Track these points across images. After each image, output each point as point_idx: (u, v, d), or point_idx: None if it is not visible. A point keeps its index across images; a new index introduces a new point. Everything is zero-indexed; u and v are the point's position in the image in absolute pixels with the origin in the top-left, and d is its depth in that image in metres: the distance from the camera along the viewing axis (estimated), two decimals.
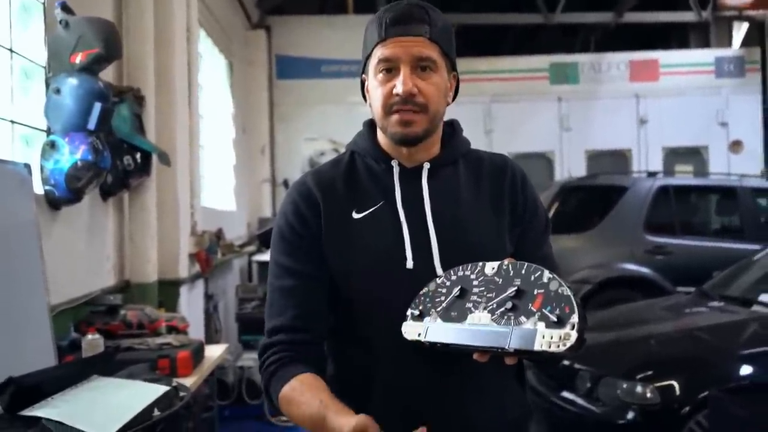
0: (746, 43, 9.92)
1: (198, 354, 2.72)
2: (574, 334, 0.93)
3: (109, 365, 1.93)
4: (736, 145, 9.36)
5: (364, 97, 1.27)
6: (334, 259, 1.18)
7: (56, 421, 1.49)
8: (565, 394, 3.46)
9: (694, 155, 9.50)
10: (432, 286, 1.12)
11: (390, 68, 1.16)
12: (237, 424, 3.82)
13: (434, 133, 1.23)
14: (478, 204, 1.23)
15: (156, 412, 1.65)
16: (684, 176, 8.07)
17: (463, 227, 1.19)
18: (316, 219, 1.20)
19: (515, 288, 1.02)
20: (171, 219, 3.75)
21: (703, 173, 8.97)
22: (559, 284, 1.00)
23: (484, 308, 1.04)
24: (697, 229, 6.37)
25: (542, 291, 1.00)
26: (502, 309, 1.01)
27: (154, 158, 3.39)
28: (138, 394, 1.71)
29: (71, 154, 2.53)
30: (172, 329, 2.88)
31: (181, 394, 1.84)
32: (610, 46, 9.94)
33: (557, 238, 5.88)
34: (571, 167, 9.09)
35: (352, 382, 1.20)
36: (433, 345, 1.07)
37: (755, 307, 3.76)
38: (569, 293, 0.97)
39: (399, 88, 1.14)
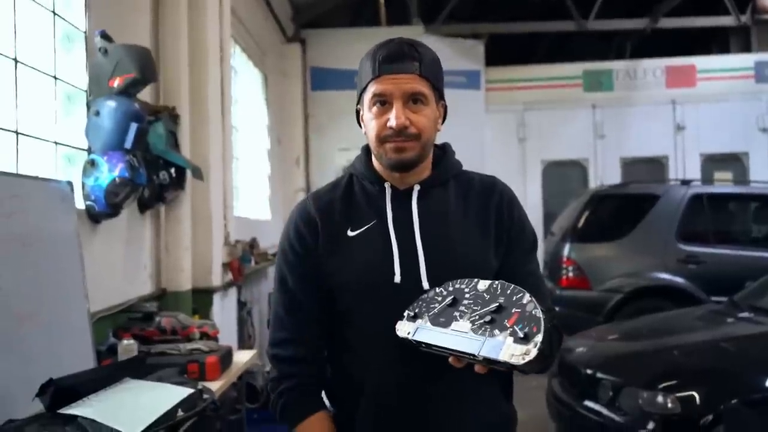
0: None
1: (226, 359, 2.87)
2: (534, 351, 1.04)
3: (140, 369, 2.07)
4: None
5: (360, 125, 1.39)
6: (331, 273, 1.31)
7: (90, 419, 1.63)
8: (588, 403, 3.49)
9: (734, 162, 9.31)
10: (431, 293, 1.24)
11: (384, 102, 1.27)
12: (265, 427, 3.94)
13: (425, 158, 1.33)
14: (465, 223, 1.33)
15: (180, 413, 1.79)
16: (719, 184, 7.92)
17: (449, 245, 1.29)
18: (314, 238, 1.33)
19: (497, 304, 1.14)
20: (205, 230, 3.93)
21: (743, 181, 8.79)
22: (534, 306, 1.11)
23: (468, 318, 1.15)
24: (731, 238, 6.25)
25: (519, 310, 1.11)
26: (482, 321, 1.13)
27: (188, 173, 3.58)
28: (164, 396, 1.85)
29: (110, 171, 2.72)
30: (203, 335, 3.04)
31: (205, 396, 1.97)
32: (646, 52, 9.82)
33: (588, 246, 5.98)
34: (605, 175, 9.03)
35: (345, 386, 1.32)
36: (418, 344, 1.18)
37: None
38: (540, 315, 1.09)
39: (392, 122, 1.25)
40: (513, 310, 1.12)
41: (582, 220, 6.12)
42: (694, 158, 9.27)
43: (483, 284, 1.20)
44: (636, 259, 5.92)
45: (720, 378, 3.21)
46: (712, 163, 9.31)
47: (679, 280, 5.75)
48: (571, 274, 5.89)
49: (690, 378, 3.23)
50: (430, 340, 1.16)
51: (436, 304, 1.21)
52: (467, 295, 1.19)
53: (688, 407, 3.03)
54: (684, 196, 6.03)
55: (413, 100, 1.27)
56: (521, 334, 1.06)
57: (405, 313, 1.23)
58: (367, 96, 1.29)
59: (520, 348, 1.05)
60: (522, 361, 1.03)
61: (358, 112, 1.38)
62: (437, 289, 1.24)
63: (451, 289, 1.22)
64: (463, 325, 1.14)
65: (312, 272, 1.32)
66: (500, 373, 1.32)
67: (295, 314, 1.33)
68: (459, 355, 1.11)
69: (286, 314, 1.34)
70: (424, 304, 1.22)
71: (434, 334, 1.16)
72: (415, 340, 1.18)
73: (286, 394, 1.32)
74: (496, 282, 1.19)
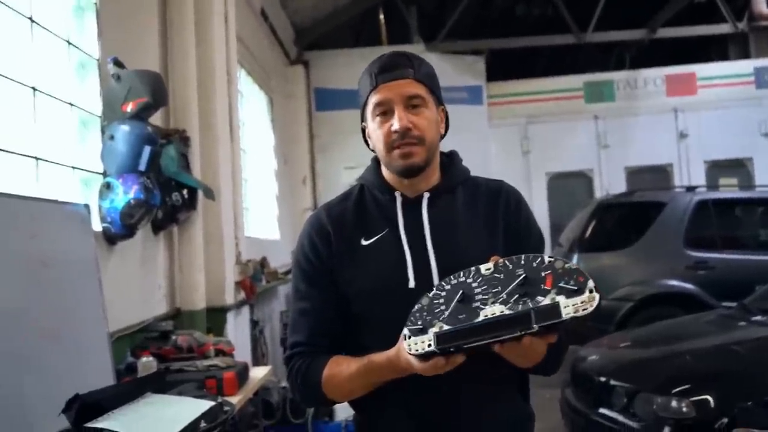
0: None
1: (243, 375, 2.91)
2: (596, 296, 1.02)
3: (161, 384, 2.12)
4: None
5: (366, 143, 1.43)
6: (345, 281, 1.35)
7: None
8: (603, 410, 3.50)
9: (739, 167, 9.33)
10: (425, 301, 1.17)
11: (385, 111, 1.32)
12: None
13: (432, 162, 1.38)
14: (474, 227, 1.36)
15: (203, 424, 1.83)
16: (724, 190, 7.93)
17: (459, 250, 1.32)
18: (327, 249, 1.37)
19: (522, 276, 1.09)
20: (217, 250, 3.98)
21: (748, 186, 8.80)
22: (563, 262, 1.08)
23: (494, 302, 1.09)
24: (740, 242, 6.25)
25: (549, 271, 1.08)
26: (516, 296, 1.08)
27: (200, 193, 3.64)
28: (187, 409, 1.89)
29: (125, 193, 2.79)
30: (219, 352, 3.08)
31: (226, 408, 2.01)
32: (646, 61, 9.92)
33: (596, 256, 5.99)
34: (611, 184, 9.07)
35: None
36: (445, 351, 1.09)
37: None
38: (576, 266, 1.07)
39: (396, 126, 1.29)
40: (543, 274, 1.08)
41: (589, 230, 6.14)
42: (699, 165, 9.31)
43: (485, 268, 1.15)
44: (645, 267, 5.92)
45: (733, 381, 3.22)
46: (717, 169, 9.33)
47: (688, 286, 5.75)
48: None
49: (703, 382, 3.23)
50: (465, 339, 1.08)
51: (442, 307, 1.14)
52: (475, 285, 1.14)
53: (703, 411, 3.04)
54: (690, 202, 6.05)
55: (412, 104, 1.31)
56: (573, 287, 1.03)
57: (406, 331, 1.14)
58: (369, 109, 1.34)
59: (579, 299, 1.02)
60: (590, 309, 1.00)
61: (363, 131, 1.42)
62: (430, 295, 1.17)
63: (449, 287, 1.16)
64: (494, 309, 1.08)
65: (325, 280, 1.36)
66: (518, 374, 1.35)
67: (310, 320, 1.37)
68: (507, 338, 1.06)
69: (301, 320, 1.38)
70: (426, 314, 1.15)
71: (464, 331, 1.09)
72: (440, 348, 1.09)
73: (299, 362, 1.34)
74: (500, 260, 1.14)
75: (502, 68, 9.55)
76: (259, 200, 6.63)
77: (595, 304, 1.01)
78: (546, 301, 1.05)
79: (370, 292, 1.32)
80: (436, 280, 1.28)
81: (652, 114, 9.43)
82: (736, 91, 9.41)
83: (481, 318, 1.09)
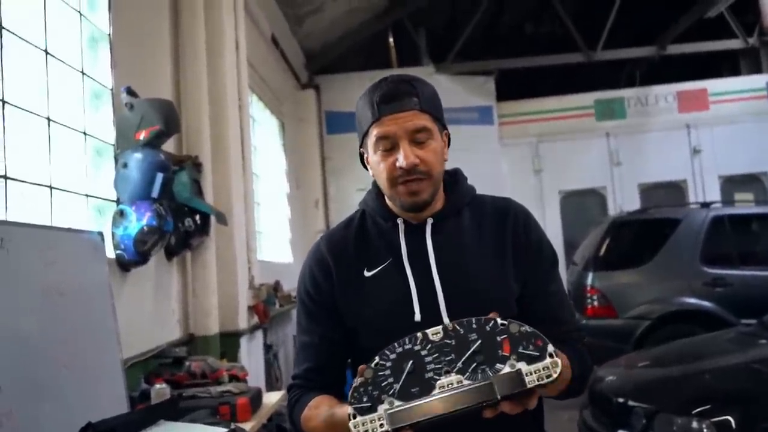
0: None
1: (256, 400, 2.89)
2: (558, 360, 0.99)
3: (174, 410, 2.11)
4: None
5: (365, 167, 1.38)
6: (349, 314, 1.31)
7: None
8: None
9: (754, 182, 9.24)
10: (368, 373, 1.06)
11: (389, 145, 1.25)
12: None
13: (437, 193, 1.33)
14: (482, 251, 1.31)
15: None
16: (740, 205, 7.83)
17: (467, 276, 1.28)
18: (328, 282, 1.33)
19: (477, 342, 1.03)
20: (230, 274, 3.99)
21: (764, 200, 8.70)
22: (518, 325, 1.03)
23: (449, 371, 1.02)
24: (757, 258, 6.15)
25: (505, 335, 1.03)
26: (473, 365, 1.01)
27: (213, 219, 3.67)
28: None
29: (138, 220, 2.81)
30: (232, 378, 3.07)
31: None
32: (657, 78, 9.90)
33: (611, 274, 5.93)
34: (624, 202, 9.01)
35: None
36: (398, 430, 1.00)
37: None
38: (532, 329, 1.03)
39: (402, 162, 1.22)
40: (499, 339, 1.02)
41: (603, 248, 6.09)
42: (713, 181, 9.23)
43: (433, 332, 1.07)
44: (661, 285, 5.84)
45: (755, 401, 3.15)
46: (732, 184, 9.25)
47: (706, 303, 5.66)
48: (596, 303, 5.84)
49: (724, 402, 3.16)
50: (425, 416, 0.99)
51: (390, 380, 1.04)
52: (424, 353, 1.05)
53: None
54: (705, 218, 5.99)
55: (418, 138, 1.25)
56: (534, 353, 0.99)
57: (350, 411, 1.03)
58: (371, 140, 1.27)
59: (541, 365, 0.99)
60: (555, 375, 0.97)
61: (362, 155, 1.37)
62: (373, 365, 1.07)
63: (394, 356, 1.07)
64: (450, 379, 1.01)
65: (325, 315, 1.34)
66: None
67: (308, 355, 1.36)
68: (470, 409, 1.00)
69: (301, 353, 1.38)
70: (371, 388, 1.04)
71: (422, 407, 1.00)
72: (394, 429, 0.99)
73: (292, 395, 1.35)
74: (449, 324, 1.08)
75: (512, 88, 9.57)
76: (272, 224, 6.65)
77: (558, 370, 0.98)
78: (506, 368, 1.00)
79: (375, 326, 1.28)
80: (443, 312, 1.24)
81: (664, 130, 9.39)
82: (748, 106, 9.36)
83: (437, 390, 1.01)
